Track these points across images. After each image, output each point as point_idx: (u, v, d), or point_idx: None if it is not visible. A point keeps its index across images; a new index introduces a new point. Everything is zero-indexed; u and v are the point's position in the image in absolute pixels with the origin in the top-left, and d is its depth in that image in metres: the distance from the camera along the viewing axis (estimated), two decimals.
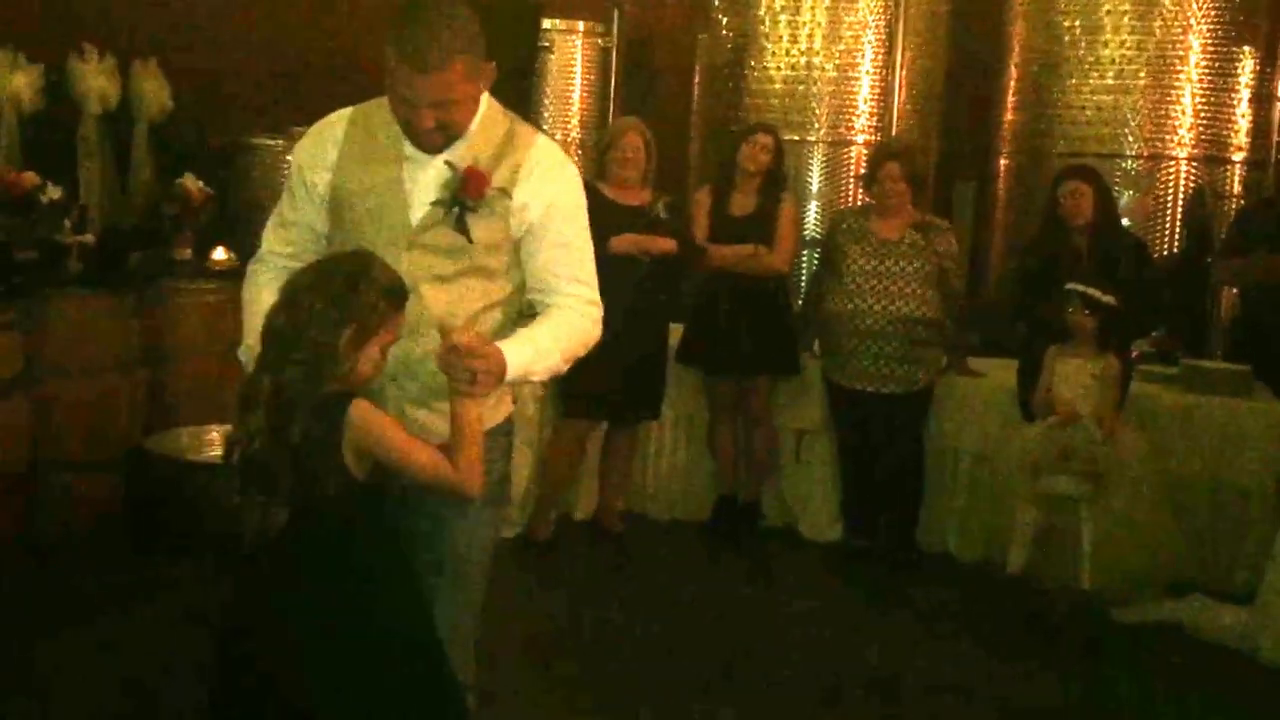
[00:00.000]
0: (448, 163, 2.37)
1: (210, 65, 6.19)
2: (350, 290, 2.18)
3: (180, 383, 5.12)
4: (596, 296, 2.54)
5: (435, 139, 2.34)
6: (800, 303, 5.42)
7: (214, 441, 4.96)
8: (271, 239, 2.55)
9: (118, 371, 4.89)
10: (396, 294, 2.24)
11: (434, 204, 2.37)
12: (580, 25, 6.79)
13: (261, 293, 2.45)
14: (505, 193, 2.38)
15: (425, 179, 2.38)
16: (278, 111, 5.98)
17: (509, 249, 2.44)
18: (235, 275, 5.48)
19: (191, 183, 5.57)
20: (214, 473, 4.65)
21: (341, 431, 2.17)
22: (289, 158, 5.60)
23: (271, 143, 5.82)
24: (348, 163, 2.41)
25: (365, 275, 2.20)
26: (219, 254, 5.53)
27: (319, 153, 2.44)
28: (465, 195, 2.35)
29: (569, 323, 2.47)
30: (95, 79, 5.54)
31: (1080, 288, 4.43)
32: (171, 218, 5.53)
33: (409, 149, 2.38)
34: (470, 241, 2.38)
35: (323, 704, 2.15)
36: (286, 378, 2.16)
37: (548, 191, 2.43)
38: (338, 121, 2.46)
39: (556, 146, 2.54)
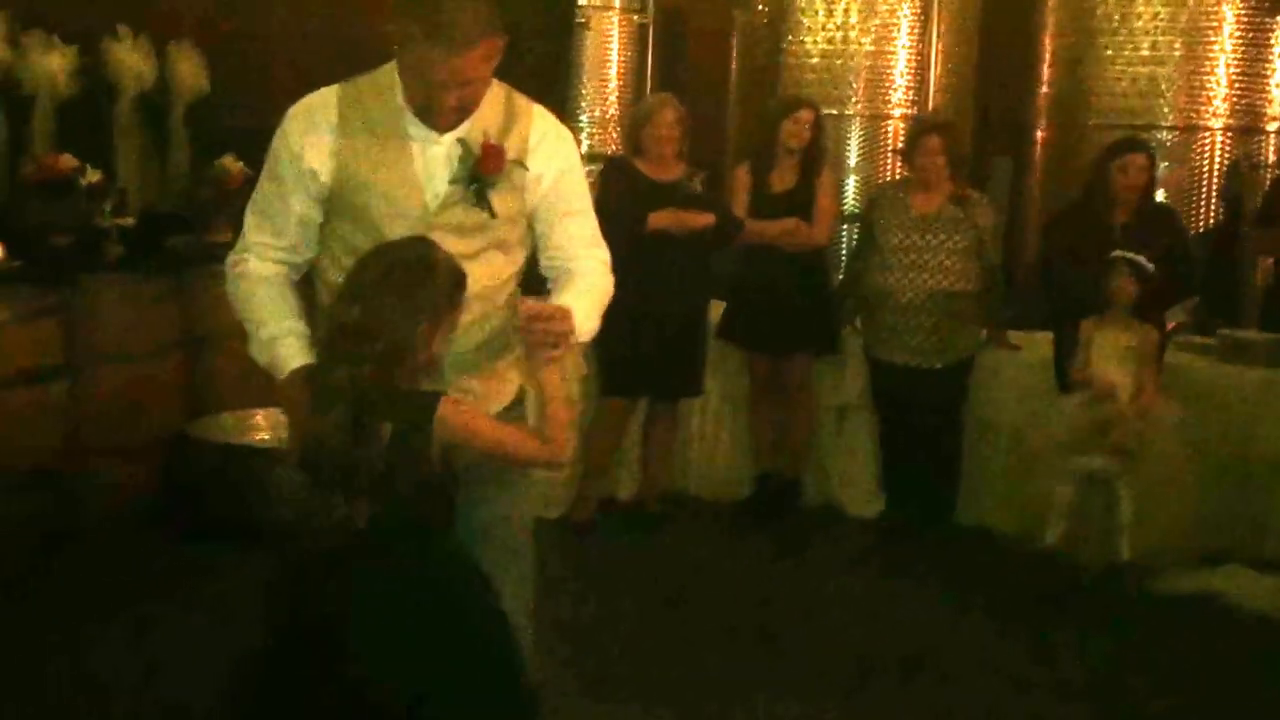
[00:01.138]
0: (460, 140, 2.32)
1: (247, 46, 6.17)
2: (422, 282, 2.16)
3: (221, 367, 5.07)
4: (609, 257, 2.57)
5: (453, 118, 2.30)
6: (840, 278, 5.47)
7: (257, 426, 4.98)
8: (256, 232, 2.40)
9: (158, 357, 4.85)
10: (460, 280, 2.22)
11: (453, 183, 2.32)
12: (616, 2, 6.83)
13: (258, 287, 2.38)
14: (520, 164, 2.36)
15: (434, 157, 2.33)
16: (308, 91, 6.00)
17: (523, 220, 2.44)
18: None
19: (232, 163, 5.52)
20: (257, 457, 4.69)
21: (431, 428, 2.15)
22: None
23: None
24: (349, 147, 2.31)
25: (433, 264, 2.18)
26: None
27: (315, 138, 2.32)
28: (484, 171, 2.32)
29: (599, 285, 2.50)
30: (130, 60, 5.46)
31: (1129, 254, 4.45)
32: (209, 200, 5.51)
33: (412, 128, 2.32)
34: (493, 217, 2.34)
35: (414, 699, 2.12)
36: (366, 373, 2.12)
37: (557, 159, 2.43)
38: (326, 103, 2.35)
39: (550, 113, 2.51)
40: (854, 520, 5.31)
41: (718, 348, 5.21)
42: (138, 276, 4.81)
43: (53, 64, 5.15)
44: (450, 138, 2.33)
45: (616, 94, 6.67)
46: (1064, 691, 3.78)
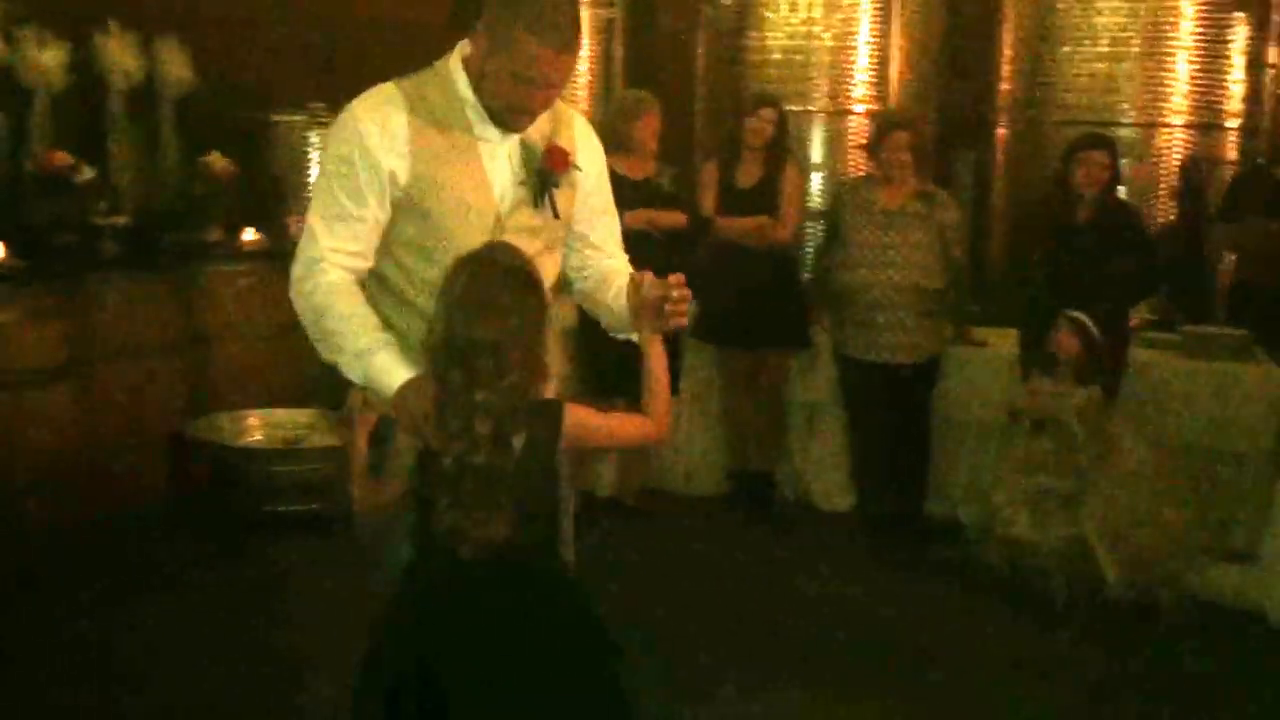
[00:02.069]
0: (523, 141, 2.34)
1: (233, 41, 6.10)
2: (535, 288, 2.18)
3: (218, 366, 5.18)
4: None
5: (529, 120, 2.31)
6: (808, 275, 5.48)
7: (254, 426, 5.12)
8: (331, 237, 2.31)
9: (159, 356, 4.93)
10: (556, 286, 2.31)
11: (521, 184, 2.34)
12: None
13: (339, 299, 2.28)
14: (575, 164, 2.40)
15: (499, 158, 2.34)
16: (302, 88, 5.94)
17: (569, 221, 2.47)
18: (266, 257, 5.52)
19: (218, 160, 5.52)
20: (254, 457, 4.86)
21: (560, 437, 2.20)
22: (313, 137, 5.69)
23: (295, 118, 5.80)
24: (423, 146, 2.29)
25: (534, 270, 2.20)
26: (249, 235, 5.52)
27: (389, 140, 2.27)
28: (552, 171, 2.35)
29: None
30: (121, 55, 5.44)
31: (1073, 314, 4.47)
32: (200, 197, 5.50)
33: (478, 128, 2.32)
34: (556, 217, 2.37)
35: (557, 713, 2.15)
36: (508, 387, 2.11)
37: (597, 159, 2.49)
38: (394, 102, 2.30)
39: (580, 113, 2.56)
40: (826, 514, 5.36)
41: (690, 345, 5.21)
42: (137, 275, 4.84)
43: (47, 59, 5.14)
44: (512, 139, 2.34)
45: (585, 88, 6.63)
46: (1049, 679, 3.85)
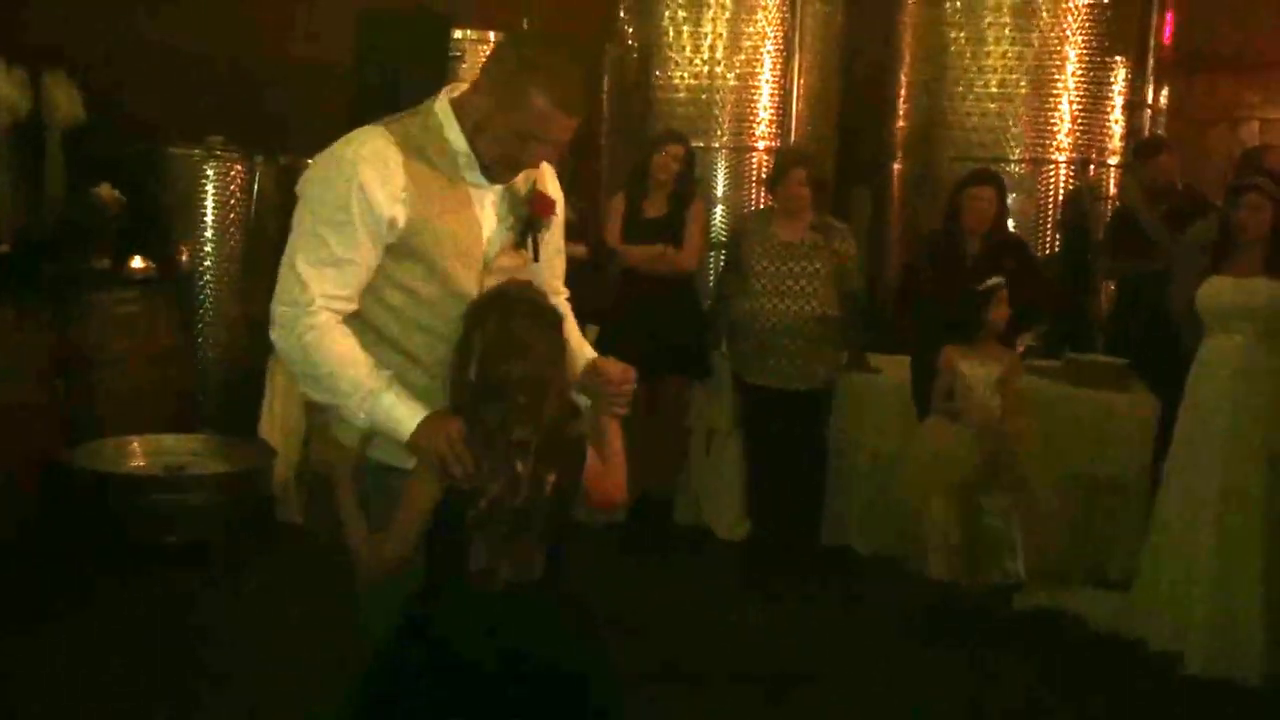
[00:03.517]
0: (508, 187, 2.40)
1: (123, 74, 6.17)
2: (557, 325, 2.25)
3: (100, 393, 5.10)
4: None
5: (514, 175, 2.37)
6: (708, 304, 5.64)
7: (137, 453, 5.01)
8: (320, 283, 2.27)
9: (34, 382, 4.85)
10: None
11: (510, 229, 2.39)
12: (491, 35, 6.92)
13: (335, 342, 2.26)
14: (554, 208, 2.49)
15: (487, 204, 2.38)
16: (193, 120, 6.01)
17: None
18: (153, 284, 5.60)
19: (107, 192, 5.55)
20: (135, 485, 4.77)
21: (582, 473, 2.25)
22: (209, 170, 5.74)
23: (191, 152, 5.85)
24: (419, 191, 2.28)
25: (554, 310, 2.27)
26: (136, 263, 5.55)
27: (389, 187, 2.26)
28: (538, 216, 2.41)
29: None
30: (6, 89, 5.49)
31: (1001, 280, 4.60)
32: (86, 227, 5.51)
33: (469, 175, 2.35)
34: (535, 260, 2.43)
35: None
36: (544, 424, 2.14)
37: (560, 200, 2.53)
38: (389, 148, 2.29)
39: None
40: (723, 543, 5.41)
41: None
42: (12, 303, 4.79)
43: None
44: (498, 185, 2.39)
45: None
46: (929, 709, 3.93)
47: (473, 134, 2.31)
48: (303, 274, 2.28)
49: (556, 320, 2.27)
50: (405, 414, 2.22)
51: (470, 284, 2.33)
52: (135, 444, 5.02)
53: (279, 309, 2.30)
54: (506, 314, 2.19)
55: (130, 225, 5.61)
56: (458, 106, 2.34)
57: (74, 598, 4.32)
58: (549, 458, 2.16)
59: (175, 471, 4.98)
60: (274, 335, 2.31)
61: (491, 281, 2.33)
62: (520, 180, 2.41)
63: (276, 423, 5.21)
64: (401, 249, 2.30)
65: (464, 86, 2.40)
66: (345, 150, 2.30)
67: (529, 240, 2.41)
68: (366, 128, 2.34)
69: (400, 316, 2.34)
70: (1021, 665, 4.26)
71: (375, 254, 2.29)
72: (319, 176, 2.32)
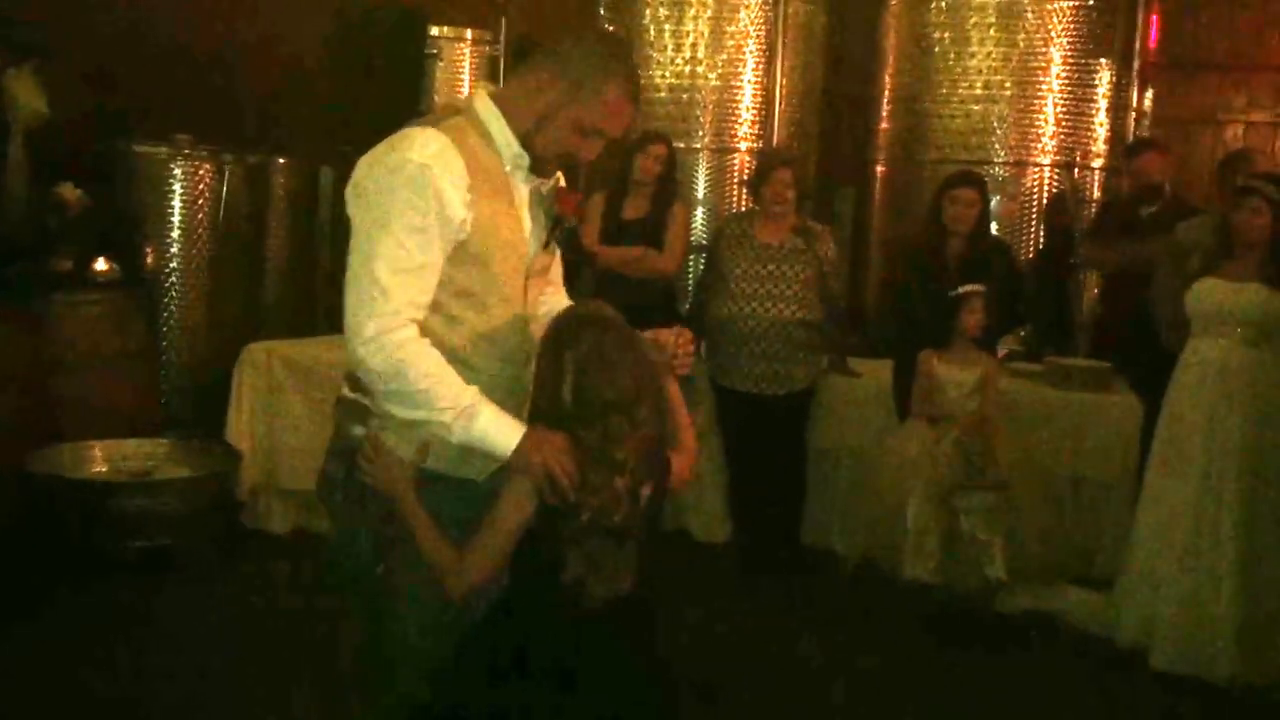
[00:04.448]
0: (537, 187, 2.39)
1: (89, 70, 6.07)
2: (642, 346, 2.29)
3: (62, 397, 5.02)
4: None
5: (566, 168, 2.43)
6: (687, 307, 5.56)
7: (98, 458, 4.92)
8: (404, 291, 2.21)
9: (2, 386, 4.76)
10: None
11: (543, 228, 2.40)
12: (468, 33, 6.85)
13: (427, 355, 2.21)
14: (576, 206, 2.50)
15: (526, 203, 2.38)
16: (161, 117, 5.91)
17: None
18: (118, 286, 5.49)
19: (70, 191, 5.46)
20: (96, 491, 4.68)
21: (669, 485, 2.28)
22: (176, 168, 5.65)
23: (154, 150, 5.75)
24: (479, 195, 2.27)
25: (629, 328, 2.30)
26: (100, 265, 5.44)
27: (458, 190, 2.23)
28: (565, 215, 2.42)
29: None
30: None
31: (978, 287, 4.59)
32: (50, 228, 5.42)
33: (513, 174, 2.35)
34: (555, 257, 2.48)
35: None
36: (642, 442, 2.18)
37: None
38: (451, 150, 2.25)
39: None
40: (703, 545, 5.38)
41: None
42: None
43: None
44: (533, 183, 2.38)
45: None
46: (910, 711, 3.91)
47: (530, 130, 2.32)
48: (384, 283, 2.19)
49: (640, 338, 2.30)
50: (506, 429, 2.20)
51: (518, 287, 2.34)
52: (96, 449, 4.93)
53: (368, 324, 2.19)
54: (601, 333, 2.21)
55: (95, 225, 5.50)
56: (504, 104, 2.34)
57: (32, 605, 4.25)
58: (643, 472, 2.20)
59: (138, 477, 4.89)
60: (361, 351, 2.20)
61: (529, 285, 2.37)
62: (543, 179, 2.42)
63: (244, 428, 5.11)
64: (462, 252, 2.27)
65: (490, 87, 2.42)
66: (410, 153, 2.23)
67: (554, 238, 2.42)
68: (417, 128, 2.28)
69: (460, 325, 2.30)
70: (1004, 666, 4.24)
71: (443, 258, 2.26)
72: (387, 182, 2.23)
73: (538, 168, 2.35)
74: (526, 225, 2.36)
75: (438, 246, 2.23)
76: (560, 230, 2.41)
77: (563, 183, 2.44)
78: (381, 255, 2.20)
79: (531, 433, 2.20)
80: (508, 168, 2.33)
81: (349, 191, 2.30)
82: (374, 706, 2.37)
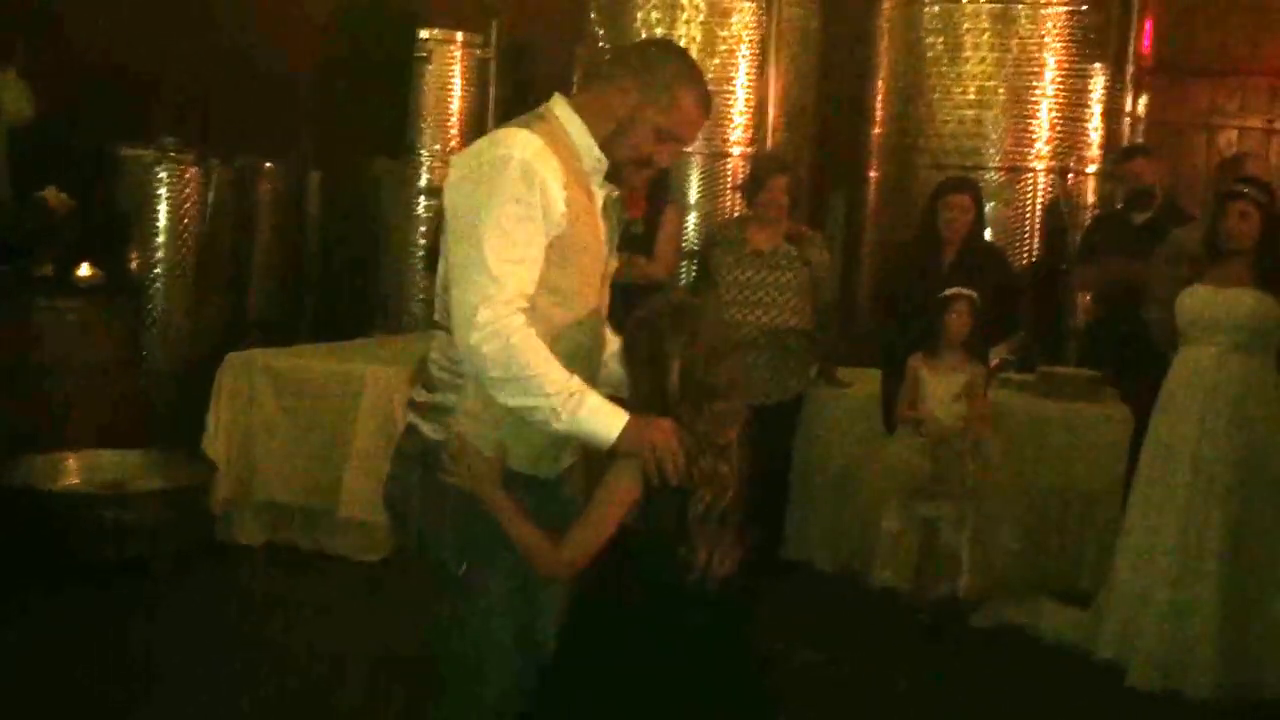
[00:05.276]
0: (610, 192, 2.46)
1: (75, 74, 6.02)
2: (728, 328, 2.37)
3: (44, 405, 4.99)
4: None
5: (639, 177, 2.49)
6: None
7: (71, 469, 4.86)
8: (515, 280, 2.26)
9: None
10: None
11: (618, 231, 2.48)
12: (458, 35, 6.80)
13: (536, 343, 2.25)
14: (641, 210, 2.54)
15: (602, 207, 2.45)
16: (146, 121, 5.87)
17: None
18: (101, 292, 5.42)
19: (53, 195, 5.41)
20: (69, 502, 4.65)
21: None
22: (162, 172, 5.59)
23: (139, 154, 5.68)
24: (571, 194, 2.33)
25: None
26: (84, 270, 5.39)
27: (557, 187, 2.30)
28: (632, 219, 2.48)
29: None
30: None
31: (964, 291, 4.56)
32: (32, 232, 5.37)
33: (592, 178, 2.41)
34: (615, 260, 2.51)
35: None
36: (740, 428, 2.25)
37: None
38: (547, 148, 2.32)
39: None
40: None
41: None
42: None
43: None
44: (605, 188, 2.45)
45: (457, 128, 6.63)
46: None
47: (611, 135, 2.38)
48: (496, 273, 2.25)
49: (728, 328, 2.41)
50: (612, 415, 2.25)
51: (595, 287, 2.41)
52: (71, 460, 4.87)
53: (481, 312, 2.23)
54: (705, 323, 2.29)
55: (79, 230, 5.45)
56: (584, 110, 2.40)
57: (5, 615, 4.21)
58: (741, 456, 2.26)
59: (111, 489, 4.83)
60: (475, 338, 2.23)
61: (604, 286, 2.44)
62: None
63: (221, 439, 5.04)
64: (554, 249, 2.32)
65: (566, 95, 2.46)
66: (513, 150, 2.30)
67: (625, 239, 2.55)
68: (511, 130, 2.36)
69: (551, 321, 2.33)
70: (979, 679, 4.21)
71: (542, 249, 2.32)
72: (493, 175, 2.29)
73: (615, 173, 2.42)
74: (603, 228, 2.44)
75: (541, 239, 2.29)
76: (628, 233, 2.49)
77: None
78: (491, 245, 2.25)
79: (637, 419, 2.25)
80: (589, 171, 2.40)
81: (448, 187, 2.36)
82: (464, 707, 2.41)
